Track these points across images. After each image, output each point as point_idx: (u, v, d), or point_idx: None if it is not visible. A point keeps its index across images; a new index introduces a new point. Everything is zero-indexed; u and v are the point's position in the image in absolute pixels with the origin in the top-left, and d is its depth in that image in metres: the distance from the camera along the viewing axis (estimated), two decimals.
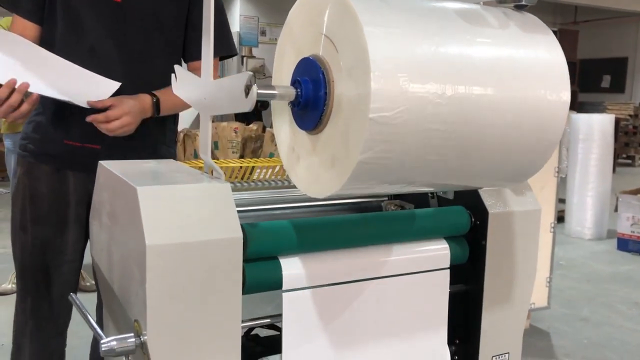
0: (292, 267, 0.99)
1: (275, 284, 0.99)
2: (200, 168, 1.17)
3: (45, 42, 1.57)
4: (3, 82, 1.33)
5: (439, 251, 1.14)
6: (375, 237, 1.08)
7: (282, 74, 0.95)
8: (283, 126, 0.97)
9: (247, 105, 0.81)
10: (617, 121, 8.82)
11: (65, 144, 1.63)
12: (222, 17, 1.75)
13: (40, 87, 1.37)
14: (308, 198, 1.27)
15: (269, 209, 1.25)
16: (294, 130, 0.93)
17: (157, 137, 1.72)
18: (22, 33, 1.54)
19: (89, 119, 1.46)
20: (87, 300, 2.09)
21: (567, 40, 9.60)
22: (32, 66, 1.41)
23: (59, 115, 1.62)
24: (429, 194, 1.27)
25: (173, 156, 1.81)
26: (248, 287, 0.96)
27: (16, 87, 1.33)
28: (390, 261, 1.08)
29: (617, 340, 3.20)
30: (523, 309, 1.23)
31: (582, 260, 4.74)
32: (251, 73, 0.80)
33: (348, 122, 0.81)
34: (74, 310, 1.81)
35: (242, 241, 0.91)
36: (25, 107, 1.36)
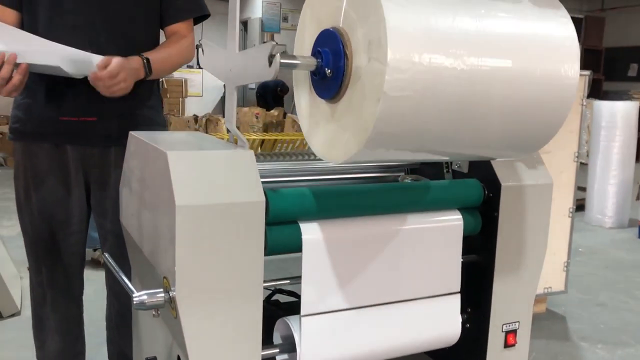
0: (311, 232, 1.05)
1: (295, 246, 1.04)
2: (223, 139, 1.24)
3: (29, 28, 1.60)
4: None
5: (452, 221, 1.18)
6: (391, 205, 1.13)
7: (304, 44, 1.00)
8: (303, 94, 1.02)
9: (270, 74, 0.86)
10: None
11: (61, 120, 1.67)
12: None
13: (28, 56, 1.40)
14: (327, 170, 1.32)
15: (289, 180, 1.30)
16: (313, 98, 0.98)
17: (145, 103, 1.76)
18: (1, 20, 1.57)
19: (91, 77, 1.47)
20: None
21: (593, 28, 9.47)
22: (17, 45, 1.43)
23: (50, 94, 1.65)
24: (444, 168, 1.31)
25: (163, 122, 1.86)
26: (270, 249, 1.02)
27: (5, 59, 1.37)
28: (405, 229, 1.13)
29: (634, 325, 3.21)
30: (533, 280, 1.27)
31: (601, 248, 4.73)
32: (275, 43, 0.85)
33: (365, 91, 0.86)
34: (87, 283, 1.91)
35: (264, 205, 0.97)
36: (17, 77, 1.40)
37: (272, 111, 8.41)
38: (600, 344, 2.94)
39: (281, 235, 1.03)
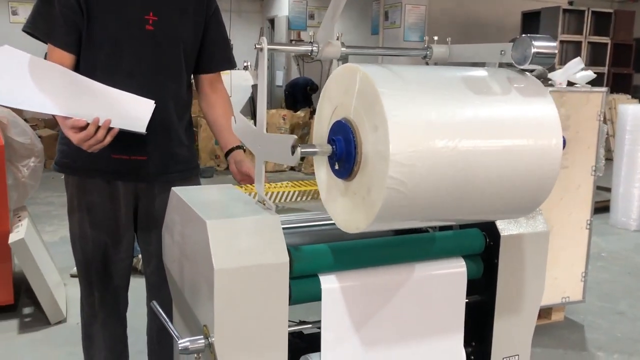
0: (329, 283, 1.21)
1: (315, 296, 1.20)
2: (253, 191, 1.40)
3: (88, 67, 1.78)
4: (61, 113, 1.54)
5: (456, 268, 1.33)
6: (401, 256, 1.28)
7: (322, 128, 1.15)
8: (322, 169, 1.18)
9: (293, 161, 1.02)
10: None
11: (113, 158, 1.85)
12: (225, 32, 2.04)
13: (116, 122, 1.59)
14: None
15: (311, 225, 1.46)
16: (330, 174, 1.13)
17: (183, 143, 1.98)
18: (60, 63, 1.72)
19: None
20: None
21: (622, 21, 9.34)
22: (87, 96, 1.61)
23: None
24: None
25: (195, 157, 2.09)
26: (293, 300, 1.18)
27: (100, 124, 1.56)
28: (414, 277, 1.28)
29: None
30: (532, 317, 1.41)
31: (624, 253, 4.77)
32: (296, 137, 1.00)
33: (373, 175, 1.01)
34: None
35: (288, 265, 1.13)
36: (107, 139, 1.60)
37: (298, 112, 8.57)
38: (616, 354, 3.04)
39: (303, 287, 1.19)
